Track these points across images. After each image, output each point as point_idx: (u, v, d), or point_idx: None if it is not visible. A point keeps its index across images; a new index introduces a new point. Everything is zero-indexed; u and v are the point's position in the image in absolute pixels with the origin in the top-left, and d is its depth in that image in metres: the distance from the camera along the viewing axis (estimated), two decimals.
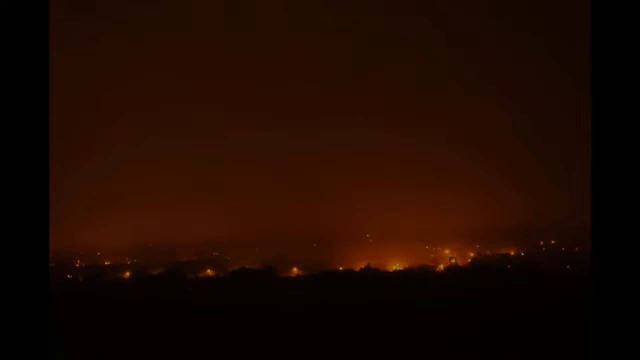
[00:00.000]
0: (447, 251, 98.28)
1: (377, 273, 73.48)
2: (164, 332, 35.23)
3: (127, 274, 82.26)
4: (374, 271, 75.43)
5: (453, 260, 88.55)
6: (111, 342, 35.09)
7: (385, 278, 67.06)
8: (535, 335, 32.82)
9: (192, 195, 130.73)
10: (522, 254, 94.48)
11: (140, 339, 35.28)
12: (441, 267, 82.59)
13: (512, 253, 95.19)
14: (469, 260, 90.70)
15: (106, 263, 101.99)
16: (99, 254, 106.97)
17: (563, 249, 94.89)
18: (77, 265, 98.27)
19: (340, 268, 79.91)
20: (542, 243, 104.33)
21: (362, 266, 79.80)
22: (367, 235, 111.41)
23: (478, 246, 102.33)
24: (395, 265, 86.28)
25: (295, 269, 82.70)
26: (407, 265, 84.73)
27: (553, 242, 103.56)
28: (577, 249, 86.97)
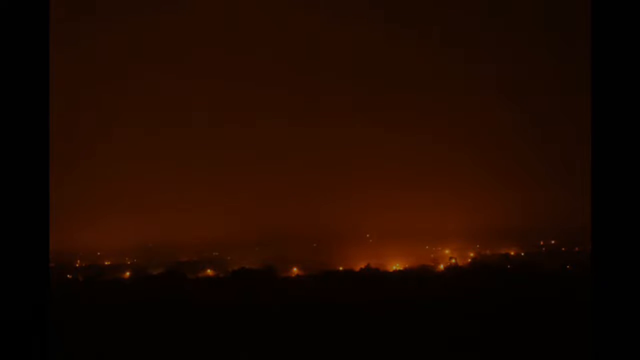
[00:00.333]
0: (447, 251, 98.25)
1: (377, 273, 73.47)
2: (164, 332, 35.24)
3: (127, 274, 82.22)
4: (374, 271, 75.43)
5: (453, 260, 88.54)
6: (111, 342, 35.09)
7: (385, 278, 67.08)
8: (535, 335, 32.83)
9: (192, 195, 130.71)
10: (522, 254, 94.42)
11: (140, 339, 35.29)
12: (441, 267, 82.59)
13: (512, 253, 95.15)
14: (469, 260, 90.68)
15: (106, 263, 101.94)
16: (99, 254, 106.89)
17: (563, 249, 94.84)
18: (77, 265, 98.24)
19: (340, 268, 79.90)
20: (542, 243, 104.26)
21: (362, 266, 79.79)
22: (367, 235, 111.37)
23: (478, 246, 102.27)
24: (395, 265, 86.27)
25: (295, 269, 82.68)
26: (407, 265, 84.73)
27: (553, 242, 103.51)
28: (577, 249, 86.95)
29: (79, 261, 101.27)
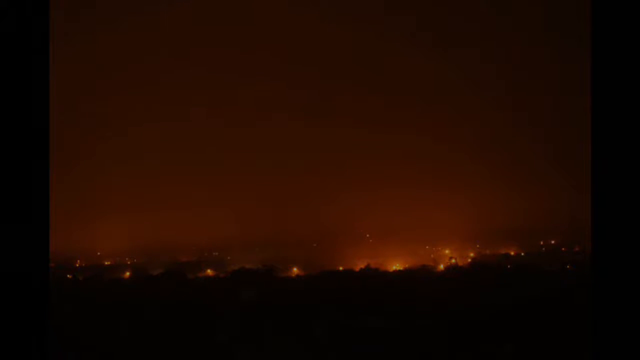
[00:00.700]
0: (447, 251, 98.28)
1: (377, 273, 73.45)
2: (163, 332, 35.23)
3: (127, 274, 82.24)
4: (374, 271, 75.41)
5: (453, 260, 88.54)
6: (111, 342, 35.08)
7: (386, 278, 67.02)
8: (535, 335, 32.82)
9: (192, 196, 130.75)
10: (522, 254, 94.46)
11: (140, 339, 35.28)
12: (441, 267, 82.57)
13: (512, 253, 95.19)
14: (469, 260, 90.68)
15: (106, 263, 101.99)
16: (99, 254, 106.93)
17: (563, 249, 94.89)
18: (77, 265, 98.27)
19: (340, 268, 79.88)
20: (542, 243, 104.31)
21: (362, 266, 79.77)
22: (367, 236, 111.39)
23: (478, 246, 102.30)
24: (395, 265, 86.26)
25: (295, 269, 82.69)
26: (407, 265, 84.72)
27: (553, 242, 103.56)
28: (577, 249, 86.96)
29: (79, 261, 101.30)
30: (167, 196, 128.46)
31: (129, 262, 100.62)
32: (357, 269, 77.77)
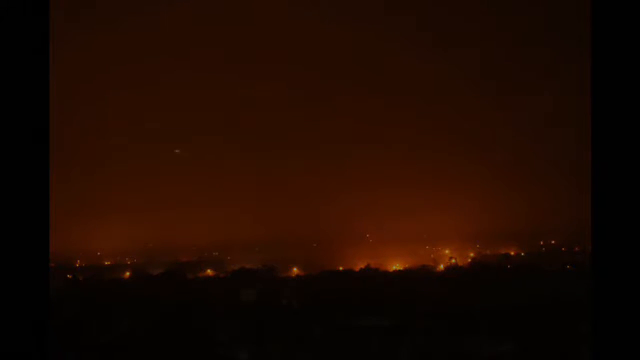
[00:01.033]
0: (447, 251, 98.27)
1: (377, 273, 73.45)
2: (164, 332, 35.23)
3: (127, 274, 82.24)
4: (374, 271, 75.41)
5: (453, 260, 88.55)
6: (111, 342, 35.09)
7: (386, 278, 67.04)
8: (535, 334, 32.83)
9: (192, 196, 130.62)
10: (522, 254, 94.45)
11: (140, 339, 35.29)
12: (441, 267, 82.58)
13: (512, 253, 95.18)
14: (469, 260, 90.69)
15: (106, 263, 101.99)
16: (99, 254, 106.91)
17: (563, 249, 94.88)
18: (77, 265, 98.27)
19: (340, 268, 79.87)
20: (542, 243, 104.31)
21: (362, 266, 79.77)
22: (367, 236, 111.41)
23: (478, 246, 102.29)
24: (395, 265, 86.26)
25: (295, 269, 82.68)
26: (407, 265, 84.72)
27: (553, 242, 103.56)
28: (577, 249, 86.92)
29: (79, 261, 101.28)
30: (167, 196, 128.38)
31: (129, 262, 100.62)
32: (357, 269, 77.75)
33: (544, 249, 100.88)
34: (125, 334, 36.69)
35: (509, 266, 73.76)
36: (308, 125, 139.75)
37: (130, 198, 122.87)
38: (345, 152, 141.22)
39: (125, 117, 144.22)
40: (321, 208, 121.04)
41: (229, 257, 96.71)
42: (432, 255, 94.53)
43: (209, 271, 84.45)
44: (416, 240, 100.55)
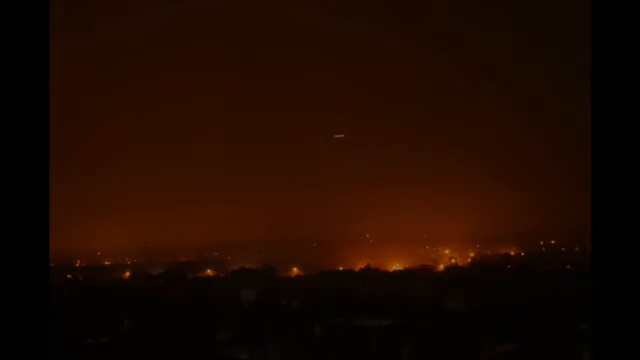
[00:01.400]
0: (447, 251, 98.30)
1: (377, 273, 73.50)
2: (164, 332, 35.21)
3: (127, 274, 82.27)
4: (374, 271, 75.46)
5: (453, 260, 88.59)
6: (111, 342, 35.09)
7: (386, 278, 67.05)
8: (535, 334, 32.82)
9: (192, 196, 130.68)
10: (522, 254, 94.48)
11: (140, 339, 35.28)
12: (441, 267, 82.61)
13: (512, 253, 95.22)
14: (469, 260, 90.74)
15: (106, 263, 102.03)
16: (99, 254, 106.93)
17: (563, 249, 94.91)
18: (77, 265, 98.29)
19: (340, 268, 79.91)
20: (542, 243, 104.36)
21: (362, 266, 79.81)
22: (367, 236, 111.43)
23: (478, 246, 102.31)
24: (395, 265, 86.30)
25: (295, 269, 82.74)
26: (407, 265, 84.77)
27: (553, 242, 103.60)
28: (577, 249, 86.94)
29: (79, 261, 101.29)
30: (167, 196, 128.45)
31: (129, 262, 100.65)
32: (357, 269, 77.80)
33: (544, 249, 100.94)
34: (125, 334, 36.70)
35: (509, 266, 73.80)
36: (308, 126, 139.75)
37: (130, 198, 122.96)
38: (346, 152, 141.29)
39: (126, 117, 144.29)
40: (321, 208, 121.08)
41: (229, 257, 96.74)
42: (432, 255, 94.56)
43: (209, 271, 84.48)
44: (416, 240, 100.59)
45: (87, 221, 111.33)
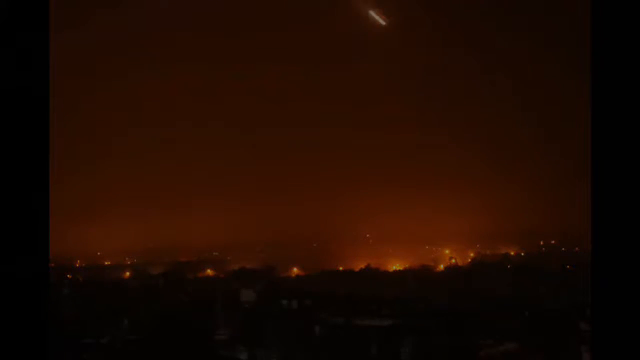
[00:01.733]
0: (447, 251, 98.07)
1: (377, 273, 73.50)
2: (164, 332, 35.23)
3: (127, 274, 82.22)
4: (374, 271, 75.45)
5: (453, 260, 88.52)
6: (111, 341, 35.08)
7: (386, 278, 67.08)
8: (535, 334, 32.82)
9: (192, 196, 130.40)
10: (522, 254, 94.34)
11: (140, 338, 35.29)
12: (441, 267, 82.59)
13: (512, 253, 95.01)
14: (469, 260, 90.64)
15: (106, 263, 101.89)
16: (99, 254, 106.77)
17: (563, 249, 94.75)
18: (77, 265, 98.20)
19: (340, 268, 79.88)
20: (542, 243, 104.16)
21: (362, 266, 79.77)
22: (367, 236, 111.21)
23: (478, 246, 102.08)
24: (395, 265, 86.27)
25: (295, 269, 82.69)
26: (407, 265, 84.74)
27: (553, 242, 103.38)
28: (577, 249, 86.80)
29: (79, 261, 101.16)
30: (167, 196, 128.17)
31: (129, 262, 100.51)
32: (357, 269, 77.76)
33: (544, 249, 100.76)
34: (125, 334, 36.70)
35: (509, 266, 73.76)
36: (308, 126, 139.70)
37: (131, 198, 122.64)
38: (346, 152, 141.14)
39: (126, 117, 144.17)
40: (321, 208, 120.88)
41: (229, 257, 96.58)
42: (432, 255, 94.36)
43: (209, 271, 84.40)
44: (416, 240, 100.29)
45: (87, 221, 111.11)
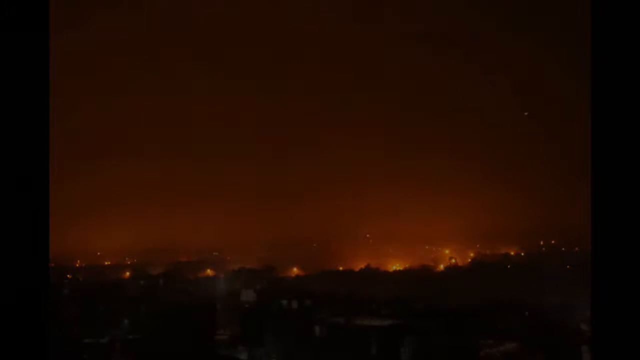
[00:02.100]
0: (447, 251, 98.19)
1: (377, 273, 73.61)
2: (164, 332, 35.25)
3: (127, 274, 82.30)
4: (374, 271, 75.56)
5: (453, 260, 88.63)
6: (111, 341, 35.11)
7: (385, 278, 67.15)
8: (535, 334, 32.84)
9: (192, 196, 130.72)
10: (522, 254, 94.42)
11: (140, 338, 35.31)
12: (441, 267, 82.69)
13: (512, 253, 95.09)
14: (469, 260, 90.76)
15: (106, 263, 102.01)
16: (99, 254, 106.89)
17: (563, 249, 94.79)
18: (77, 265, 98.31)
19: (341, 268, 79.98)
20: (542, 243, 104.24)
21: (362, 266, 79.86)
22: (367, 236, 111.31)
23: (478, 246, 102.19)
24: (395, 266, 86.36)
25: (295, 269, 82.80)
26: (407, 265, 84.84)
27: (553, 242, 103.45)
28: (577, 249, 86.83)
29: (79, 261, 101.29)
30: (168, 196, 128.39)
31: (129, 262, 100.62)
32: (357, 269, 77.87)
33: (544, 249, 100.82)
34: (125, 334, 36.73)
35: (509, 266, 73.83)
36: (309, 129, 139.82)
37: (131, 198, 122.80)
38: (346, 153, 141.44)
39: (127, 117, 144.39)
40: (321, 209, 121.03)
41: (229, 257, 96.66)
42: (432, 255, 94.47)
43: (209, 271, 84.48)
44: (416, 240, 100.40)
45: (87, 221, 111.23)
